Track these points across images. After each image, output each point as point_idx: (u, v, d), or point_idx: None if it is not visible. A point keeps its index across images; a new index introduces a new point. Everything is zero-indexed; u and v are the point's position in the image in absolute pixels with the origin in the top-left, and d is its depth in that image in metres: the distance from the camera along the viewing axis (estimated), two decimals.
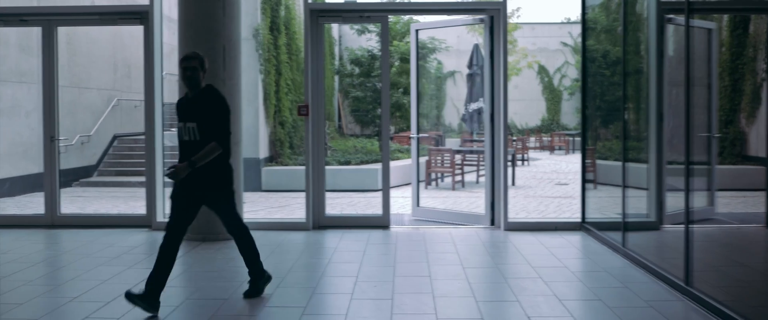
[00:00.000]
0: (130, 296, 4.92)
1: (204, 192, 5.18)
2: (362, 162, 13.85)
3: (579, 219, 8.33)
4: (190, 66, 5.13)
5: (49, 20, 8.86)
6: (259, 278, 5.50)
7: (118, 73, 15.93)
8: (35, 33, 9.97)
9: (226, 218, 5.38)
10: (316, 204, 8.34)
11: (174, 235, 5.10)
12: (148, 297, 4.98)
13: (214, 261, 6.71)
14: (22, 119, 12.56)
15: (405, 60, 19.36)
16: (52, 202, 8.71)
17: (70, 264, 6.66)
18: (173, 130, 9.37)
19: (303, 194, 8.70)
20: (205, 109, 5.08)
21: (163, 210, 8.37)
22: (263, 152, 13.70)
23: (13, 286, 5.80)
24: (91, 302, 5.30)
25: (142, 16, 8.59)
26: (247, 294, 5.44)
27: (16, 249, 7.38)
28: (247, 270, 5.63)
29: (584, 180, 8.35)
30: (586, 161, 8.39)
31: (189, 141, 5.12)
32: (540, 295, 5.44)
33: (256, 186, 12.97)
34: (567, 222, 8.36)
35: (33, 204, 10.43)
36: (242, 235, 5.47)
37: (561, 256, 6.81)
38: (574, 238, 7.71)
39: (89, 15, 9.23)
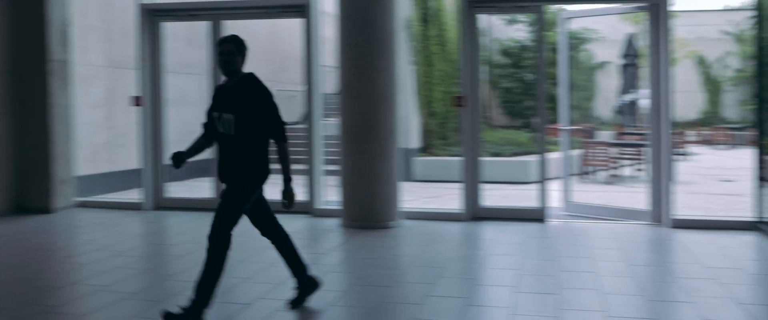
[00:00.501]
0: (297, 302, 4.95)
1: (231, 178, 4.65)
2: (513, 154, 13.70)
3: (752, 219, 7.82)
4: (225, 50, 4.60)
5: (216, 14, 9.30)
6: (200, 302, 4.54)
7: (273, 65, 16.53)
8: (201, 27, 10.53)
9: (218, 214, 4.61)
10: (471, 195, 8.30)
11: (269, 232, 4.98)
12: (305, 283, 5.01)
13: (375, 248, 6.82)
14: (188, 108, 13.28)
15: (554, 50, 18.94)
16: (219, 187, 9.16)
17: (239, 246, 6.90)
18: (330, 119, 9.62)
19: (455, 185, 8.70)
20: (247, 101, 4.54)
21: (323, 198, 8.61)
22: (414, 142, 13.82)
23: (190, 265, 6.15)
24: (261, 283, 5.53)
25: (302, 9, 8.84)
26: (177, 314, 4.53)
27: (190, 230, 7.84)
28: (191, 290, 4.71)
29: (760, 178, 7.83)
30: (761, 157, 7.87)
31: (223, 134, 4.61)
32: (715, 297, 5.14)
33: (407, 177, 13.11)
34: (738, 221, 7.87)
35: (199, 188, 10.99)
36: (219, 247, 4.61)
37: (735, 257, 6.42)
38: (748, 239, 7.25)
39: (253, 9, 9.58)
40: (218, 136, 4.68)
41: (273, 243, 5.03)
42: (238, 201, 4.64)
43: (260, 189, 4.82)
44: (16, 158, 9.04)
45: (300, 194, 8.53)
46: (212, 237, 4.60)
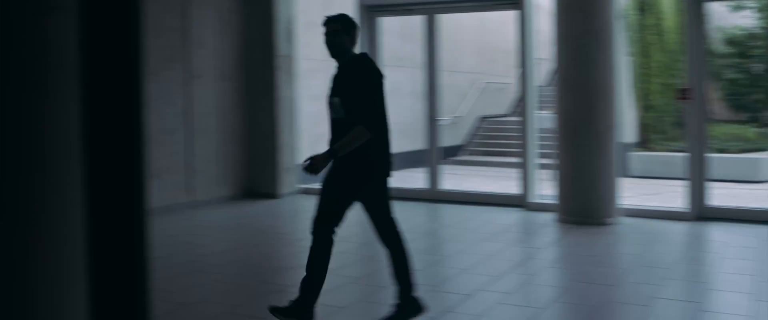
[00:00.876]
0: (275, 310, 4.29)
1: (359, 185, 4.23)
2: (741, 151, 12.76)
3: None
4: (330, 30, 4.20)
5: (431, 8, 9.44)
6: (407, 303, 4.39)
7: (482, 57, 16.54)
8: (412, 21, 10.83)
9: (377, 220, 4.38)
10: (697, 193, 7.81)
11: (322, 233, 4.25)
12: (298, 309, 4.27)
13: (594, 245, 6.62)
14: (401, 101, 13.63)
15: None
16: (433, 178, 9.34)
17: (454, 237, 7.08)
18: (544, 112, 9.47)
19: (677, 182, 8.24)
20: (349, 82, 4.17)
21: (537, 191, 8.49)
22: (630, 137, 13.29)
23: (411, 253, 6.30)
24: (480, 275, 5.54)
25: (516, 1, 8.74)
26: None
27: (406, 219, 7.94)
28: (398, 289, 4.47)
29: None
30: None
31: (335, 119, 4.24)
32: None
33: (623, 172, 12.63)
34: None
35: (411, 178, 11.23)
36: (395, 245, 4.41)
37: None
38: None
39: (468, 2, 9.63)
40: (332, 122, 4.28)
41: (312, 251, 4.30)
42: (343, 193, 4.24)
43: (374, 184, 4.29)
44: (247, 147, 9.74)
45: (501, 187, 8.55)
46: (386, 238, 4.35)
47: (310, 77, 11.24)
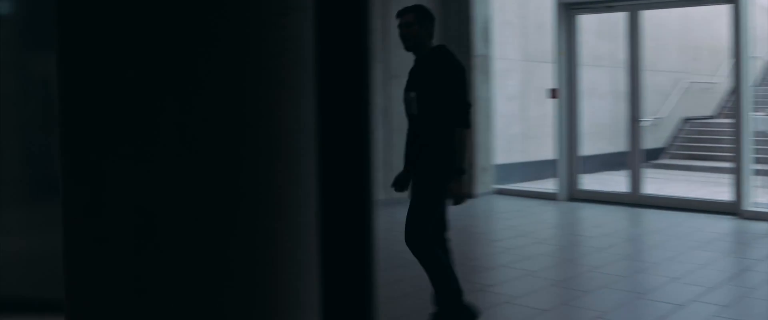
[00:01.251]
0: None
1: (418, 167, 4.07)
2: None
3: None
4: (404, 21, 3.97)
5: (634, 5, 9.05)
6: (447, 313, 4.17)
7: (685, 56, 15.64)
8: (610, 19, 10.47)
9: (410, 214, 4.05)
10: None
11: (420, 245, 4.10)
12: (458, 312, 4.15)
13: None
14: (598, 101, 13.20)
15: None
16: (635, 182, 8.95)
17: (661, 244, 6.74)
18: (758, 113, 8.79)
19: None
20: (428, 77, 3.96)
21: (752, 199, 7.90)
22: None
23: (613, 260, 6.10)
24: (693, 285, 5.23)
25: None
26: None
27: (606, 223, 7.78)
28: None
29: None
30: None
31: (411, 115, 4.07)
32: None
33: None
34: None
35: (611, 181, 10.84)
36: (425, 251, 4.07)
37: None
38: None
39: None
40: (409, 118, 4.13)
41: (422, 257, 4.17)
42: (428, 195, 4.04)
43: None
44: None
45: (722, 194, 7.97)
46: (411, 243, 4.07)
47: (505, 77, 11.18)
